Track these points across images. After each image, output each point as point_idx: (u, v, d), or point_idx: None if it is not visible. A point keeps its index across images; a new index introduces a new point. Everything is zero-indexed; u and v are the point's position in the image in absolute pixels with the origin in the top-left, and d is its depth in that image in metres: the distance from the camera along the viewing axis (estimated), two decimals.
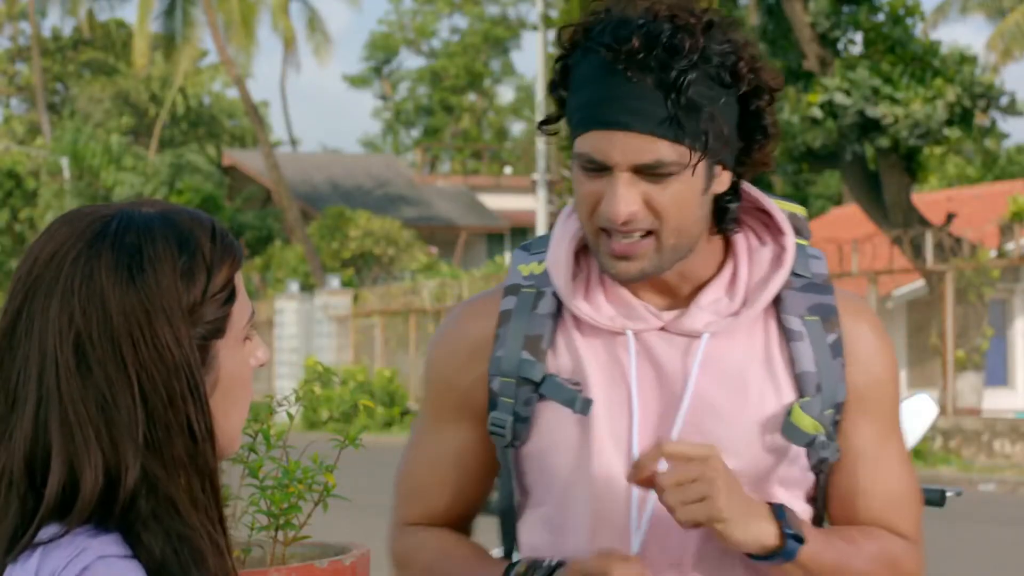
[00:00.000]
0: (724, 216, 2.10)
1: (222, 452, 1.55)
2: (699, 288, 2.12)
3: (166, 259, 1.50)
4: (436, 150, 55.43)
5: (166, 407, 1.48)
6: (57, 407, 1.47)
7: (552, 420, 2.11)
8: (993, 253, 22.15)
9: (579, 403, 2.08)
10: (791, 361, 2.10)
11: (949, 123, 21.40)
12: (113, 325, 1.47)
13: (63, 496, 1.46)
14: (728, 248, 2.15)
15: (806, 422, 2.07)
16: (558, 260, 2.13)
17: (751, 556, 2.04)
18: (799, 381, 2.09)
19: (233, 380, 1.55)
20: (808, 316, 2.11)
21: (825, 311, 2.12)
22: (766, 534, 2.01)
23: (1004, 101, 22.46)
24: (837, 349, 2.11)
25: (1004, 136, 39.11)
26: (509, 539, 2.23)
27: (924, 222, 21.28)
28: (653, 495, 2.05)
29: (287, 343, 31.52)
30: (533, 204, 35.00)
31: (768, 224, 2.16)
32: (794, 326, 2.10)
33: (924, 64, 21.51)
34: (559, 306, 2.14)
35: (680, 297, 2.12)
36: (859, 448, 2.13)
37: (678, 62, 1.97)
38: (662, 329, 2.10)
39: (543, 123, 2.15)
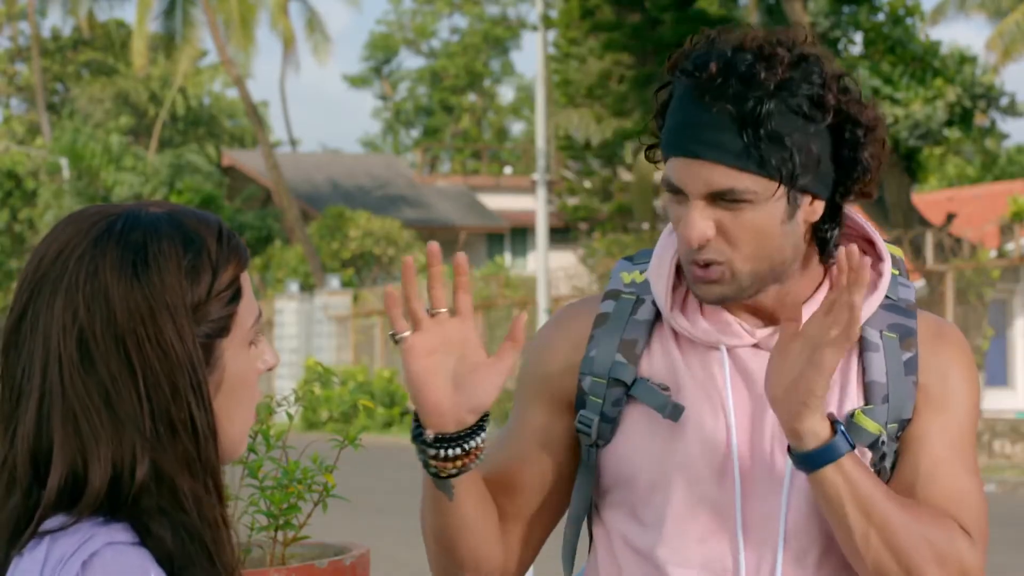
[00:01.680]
0: (824, 246, 2.11)
1: (226, 455, 1.55)
2: None
3: (171, 257, 1.50)
4: (436, 150, 55.44)
5: (169, 403, 1.48)
6: (60, 401, 1.47)
7: (639, 423, 2.15)
8: (993, 253, 22.17)
9: (670, 409, 2.12)
10: (863, 370, 2.12)
11: (949, 123, 21.42)
12: (117, 321, 1.48)
13: (66, 488, 1.47)
14: (828, 273, 2.17)
15: (869, 424, 2.08)
16: (659, 272, 2.17)
17: (793, 456, 2.01)
18: (867, 390, 2.11)
19: (238, 381, 1.55)
20: (887, 332, 2.13)
21: (904, 331, 2.14)
22: (822, 427, 1.99)
23: (1004, 101, 22.48)
24: (911, 367, 2.12)
25: (1004, 136, 39.12)
26: (571, 549, 2.27)
27: (924, 222, 21.30)
28: (745, 502, 2.09)
29: (287, 343, 31.52)
30: (533, 204, 34.98)
31: (869, 253, 2.19)
32: (872, 338, 2.13)
33: (924, 64, 21.53)
34: (657, 315, 2.18)
35: (778, 319, 2.15)
36: (926, 449, 2.11)
37: (754, 92, 1.98)
38: (755, 346, 2.14)
39: (648, 149, 2.16)
